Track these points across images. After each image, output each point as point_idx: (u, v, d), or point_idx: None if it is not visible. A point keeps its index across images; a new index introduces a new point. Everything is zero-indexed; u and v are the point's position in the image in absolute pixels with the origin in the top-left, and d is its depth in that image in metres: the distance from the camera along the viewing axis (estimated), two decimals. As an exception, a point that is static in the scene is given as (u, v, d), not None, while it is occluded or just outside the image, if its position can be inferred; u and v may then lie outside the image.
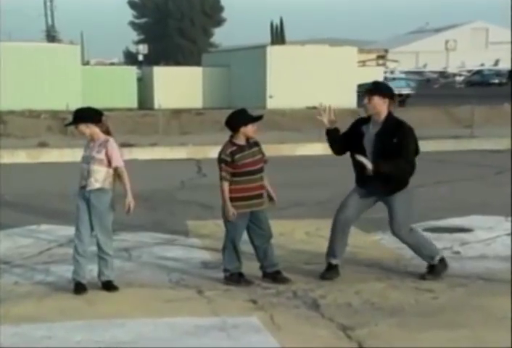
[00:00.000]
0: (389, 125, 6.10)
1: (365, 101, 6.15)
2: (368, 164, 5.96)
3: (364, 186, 6.25)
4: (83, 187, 6.02)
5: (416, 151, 6.20)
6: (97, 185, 5.98)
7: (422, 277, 6.34)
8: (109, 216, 6.04)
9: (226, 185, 6.11)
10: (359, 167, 6.15)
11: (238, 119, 6.12)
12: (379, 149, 6.07)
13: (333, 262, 6.43)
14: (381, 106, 6.10)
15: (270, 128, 22.15)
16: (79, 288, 5.99)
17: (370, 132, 6.16)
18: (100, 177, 5.97)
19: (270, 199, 6.37)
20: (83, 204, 6.05)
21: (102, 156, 5.97)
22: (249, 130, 6.11)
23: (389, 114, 6.16)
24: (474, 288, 6.08)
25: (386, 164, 6.00)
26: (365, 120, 6.28)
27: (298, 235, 8.31)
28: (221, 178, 6.13)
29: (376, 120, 6.15)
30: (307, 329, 5.14)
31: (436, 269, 6.36)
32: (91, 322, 5.32)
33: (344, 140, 6.33)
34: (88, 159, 6.00)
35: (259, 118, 6.19)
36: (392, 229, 6.31)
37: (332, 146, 6.42)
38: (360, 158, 5.98)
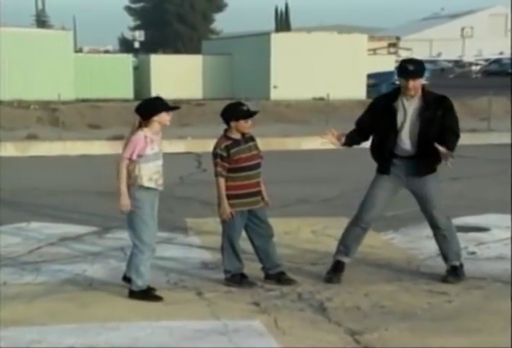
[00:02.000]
0: (429, 98, 6.13)
1: (410, 85, 6.04)
2: (446, 153, 5.92)
3: (389, 173, 6.21)
4: (157, 186, 5.93)
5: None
6: None
7: (444, 279, 6.31)
8: None
9: (222, 182, 6.11)
10: (387, 147, 6.15)
11: (230, 113, 6.13)
12: (425, 125, 6.06)
13: (345, 260, 6.41)
14: (422, 85, 6.15)
15: (274, 120, 22.16)
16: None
17: (407, 108, 6.13)
18: None
19: (262, 199, 6.33)
20: (153, 204, 5.96)
21: None
22: (241, 125, 6.11)
23: (423, 88, 6.18)
24: (491, 291, 6.08)
25: (451, 142, 6.04)
26: (391, 96, 6.23)
27: (304, 234, 8.31)
28: (216, 174, 6.13)
29: (412, 96, 6.13)
30: (312, 334, 5.15)
31: (458, 271, 6.35)
32: (83, 325, 5.33)
33: (365, 123, 6.33)
34: (159, 155, 5.93)
35: (252, 114, 6.17)
36: (433, 215, 6.25)
37: (357, 143, 6.45)
38: (439, 147, 5.94)
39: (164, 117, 5.87)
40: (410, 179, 6.23)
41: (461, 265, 6.41)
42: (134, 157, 5.76)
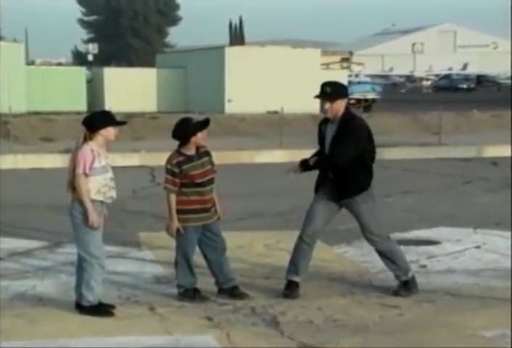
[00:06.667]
0: (343, 123, 6.17)
1: (327, 106, 6.16)
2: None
3: (323, 190, 6.29)
4: (105, 199, 5.84)
5: (372, 149, 6.25)
6: None
7: (396, 293, 6.33)
8: None
9: (173, 198, 6.08)
10: (319, 168, 6.28)
11: (185, 130, 6.08)
12: (333, 149, 6.15)
13: (296, 279, 6.38)
14: (342, 108, 6.19)
15: (229, 134, 22.19)
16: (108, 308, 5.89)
17: (329, 133, 6.25)
18: None
19: (215, 212, 6.31)
20: (101, 218, 5.85)
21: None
22: (200, 138, 6.10)
23: (346, 112, 6.22)
24: (441, 304, 6.13)
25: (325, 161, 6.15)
26: (327, 120, 6.35)
27: (257, 247, 8.30)
28: (166, 190, 6.10)
29: (333, 120, 6.22)
30: (265, 348, 5.12)
31: (409, 285, 6.39)
32: (33, 342, 5.22)
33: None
34: (107, 168, 5.84)
35: (206, 123, 6.15)
36: (367, 237, 6.34)
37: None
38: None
39: (111, 132, 5.83)
40: (339, 200, 6.28)
41: (413, 277, 6.45)
42: (87, 171, 5.71)
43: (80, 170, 5.70)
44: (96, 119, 5.84)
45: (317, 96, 6.21)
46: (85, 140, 5.78)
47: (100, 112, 6.26)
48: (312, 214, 6.33)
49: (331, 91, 6.18)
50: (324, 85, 6.27)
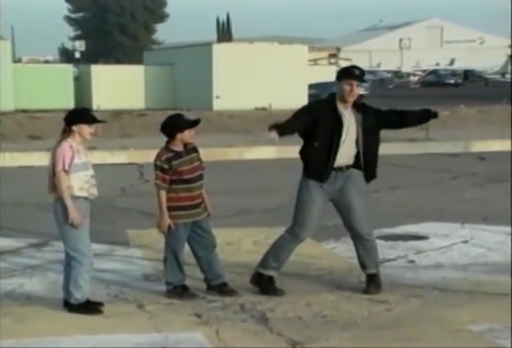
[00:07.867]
0: (360, 107, 6.24)
1: (354, 88, 6.08)
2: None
3: (325, 186, 6.13)
4: (89, 195, 5.82)
5: None
6: None
7: (366, 291, 6.27)
8: None
9: (163, 194, 6.07)
10: (331, 156, 6.05)
11: (173, 125, 6.09)
12: (368, 133, 6.18)
13: (276, 275, 6.34)
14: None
15: (217, 131, 22.14)
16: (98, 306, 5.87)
17: (349, 118, 6.11)
18: None
19: (205, 209, 6.30)
20: (87, 215, 5.85)
21: None
22: (186, 135, 6.10)
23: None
24: (429, 299, 6.15)
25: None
26: (331, 103, 6.13)
27: (246, 244, 8.30)
28: (157, 186, 6.10)
29: (346, 106, 6.15)
30: (254, 345, 5.13)
31: (376, 279, 6.34)
32: (21, 340, 5.21)
33: (304, 126, 6.08)
34: (88, 165, 5.81)
35: (196, 123, 6.16)
36: (356, 220, 6.21)
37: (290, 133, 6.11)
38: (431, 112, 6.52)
39: (85, 130, 5.77)
40: (336, 189, 6.17)
41: (377, 272, 6.40)
42: (67, 168, 5.68)
43: (59, 167, 5.66)
44: (71, 116, 5.81)
45: (355, 77, 6.08)
46: (64, 137, 5.76)
47: (78, 108, 6.24)
48: (309, 217, 6.18)
49: (359, 74, 6.16)
50: (353, 67, 6.27)
